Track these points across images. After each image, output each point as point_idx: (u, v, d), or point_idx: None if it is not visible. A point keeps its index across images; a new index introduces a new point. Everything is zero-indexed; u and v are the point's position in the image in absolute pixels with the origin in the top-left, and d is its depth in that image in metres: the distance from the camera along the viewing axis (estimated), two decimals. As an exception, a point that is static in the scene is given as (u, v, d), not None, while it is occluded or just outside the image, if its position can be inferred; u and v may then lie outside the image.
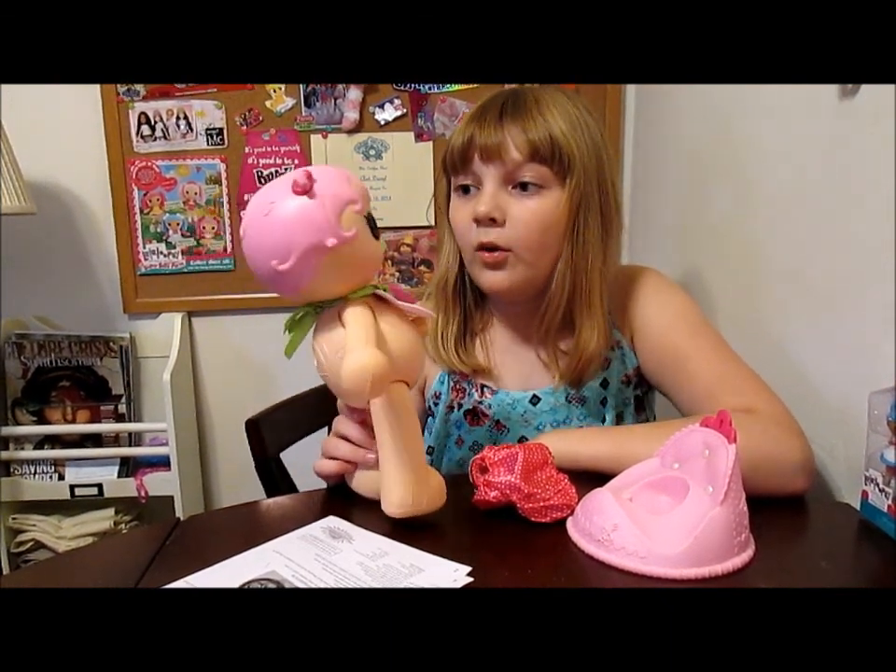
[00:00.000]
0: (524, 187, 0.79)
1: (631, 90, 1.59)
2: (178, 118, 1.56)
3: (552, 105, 0.80)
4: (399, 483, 0.64)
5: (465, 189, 0.83)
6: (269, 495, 1.02)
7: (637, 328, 0.86)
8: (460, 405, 0.90)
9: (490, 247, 0.80)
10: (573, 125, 0.79)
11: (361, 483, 0.72)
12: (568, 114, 0.80)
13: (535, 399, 0.86)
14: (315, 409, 1.05)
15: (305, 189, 0.58)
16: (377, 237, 0.64)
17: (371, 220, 0.63)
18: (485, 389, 0.89)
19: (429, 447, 0.92)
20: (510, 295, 0.84)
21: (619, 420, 0.87)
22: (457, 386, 0.91)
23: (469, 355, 0.89)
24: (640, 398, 0.90)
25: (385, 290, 0.65)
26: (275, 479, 1.00)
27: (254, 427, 0.96)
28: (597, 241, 0.81)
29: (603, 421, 0.86)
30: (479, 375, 0.90)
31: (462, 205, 0.82)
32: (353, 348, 0.58)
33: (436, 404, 0.92)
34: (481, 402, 0.88)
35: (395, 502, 0.64)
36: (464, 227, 0.82)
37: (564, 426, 0.85)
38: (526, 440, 0.84)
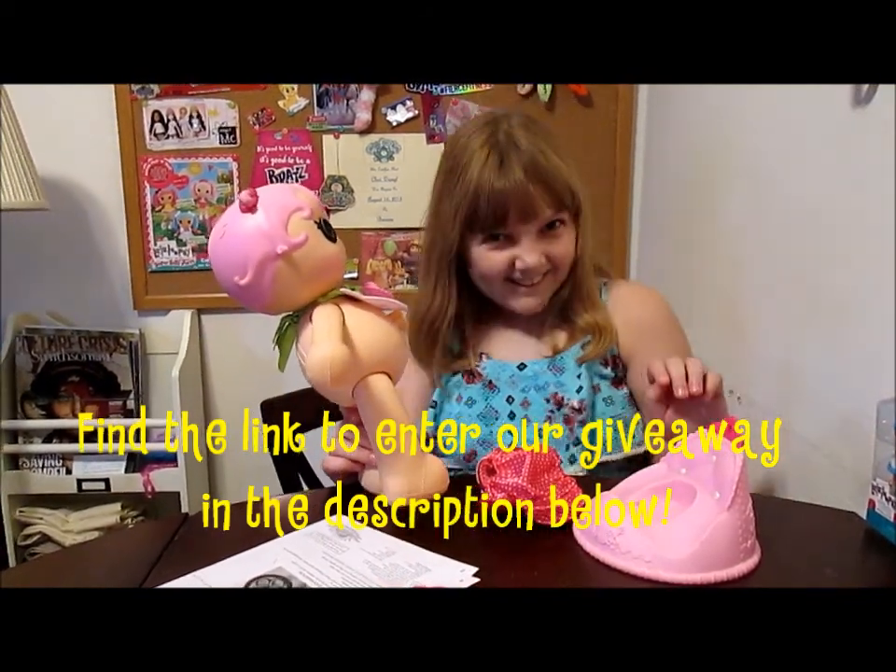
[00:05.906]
0: (550, 226, 0.89)
1: (643, 94, 1.59)
2: (191, 116, 1.57)
3: (549, 146, 0.87)
4: (393, 473, 0.66)
5: (494, 237, 0.89)
6: (282, 480, 1.04)
7: (623, 322, 0.95)
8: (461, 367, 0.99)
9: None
10: (566, 160, 0.88)
11: (370, 480, 0.73)
12: (560, 149, 0.89)
13: (522, 366, 0.96)
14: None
15: (250, 206, 0.61)
16: (334, 240, 0.65)
17: (324, 225, 0.64)
18: (482, 355, 0.98)
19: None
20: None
21: (594, 391, 0.93)
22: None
23: (462, 339, 0.97)
24: (619, 377, 0.96)
25: (354, 290, 0.67)
26: (291, 463, 1.03)
27: (269, 408, 1.02)
28: (588, 242, 0.94)
29: (578, 391, 0.92)
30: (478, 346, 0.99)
31: (494, 253, 0.89)
32: (316, 342, 0.61)
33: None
34: (478, 365, 0.97)
35: (392, 491, 0.66)
36: (498, 270, 0.89)
37: (543, 390, 0.93)
38: (513, 399, 0.93)
